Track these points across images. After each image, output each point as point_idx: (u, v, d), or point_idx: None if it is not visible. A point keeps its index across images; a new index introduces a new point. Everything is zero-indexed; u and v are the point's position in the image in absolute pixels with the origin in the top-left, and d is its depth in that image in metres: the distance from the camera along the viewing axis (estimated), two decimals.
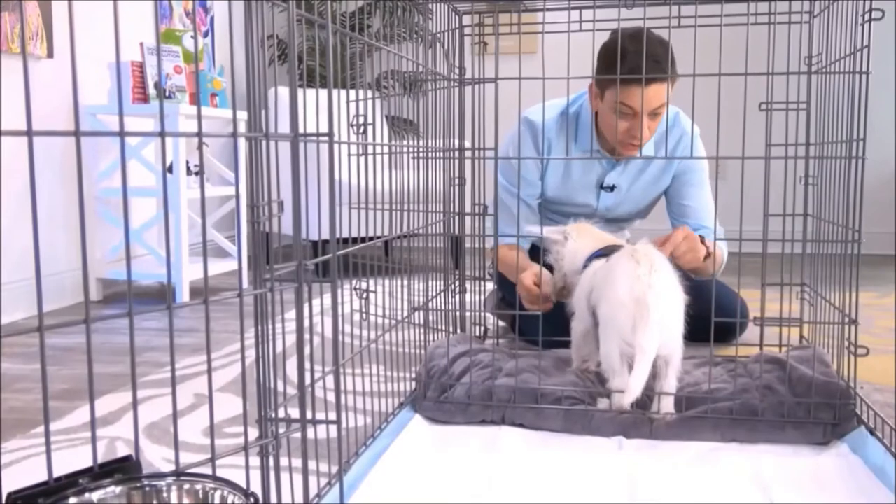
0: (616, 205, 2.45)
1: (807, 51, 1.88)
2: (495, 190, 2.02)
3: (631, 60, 1.93)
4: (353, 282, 1.90)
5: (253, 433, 1.63)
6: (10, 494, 0.83)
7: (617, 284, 1.67)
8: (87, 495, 0.88)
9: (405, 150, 2.01)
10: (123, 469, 0.92)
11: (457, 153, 2.17)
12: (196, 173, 3.69)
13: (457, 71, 2.17)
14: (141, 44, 3.31)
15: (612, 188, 2.40)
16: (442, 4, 2.12)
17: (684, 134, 2.35)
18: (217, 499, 0.93)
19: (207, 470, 0.98)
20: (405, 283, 2.01)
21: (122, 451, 1.66)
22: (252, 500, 0.91)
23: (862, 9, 1.58)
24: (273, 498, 1.09)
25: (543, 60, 1.66)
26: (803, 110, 1.71)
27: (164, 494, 0.93)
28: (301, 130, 1.07)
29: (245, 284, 3.57)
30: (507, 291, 2.49)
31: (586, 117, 2.33)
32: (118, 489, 0.90)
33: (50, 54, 3.08)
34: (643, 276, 1.64)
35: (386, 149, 2.06)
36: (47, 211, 3.12)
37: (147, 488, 0.92)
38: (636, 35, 1.97)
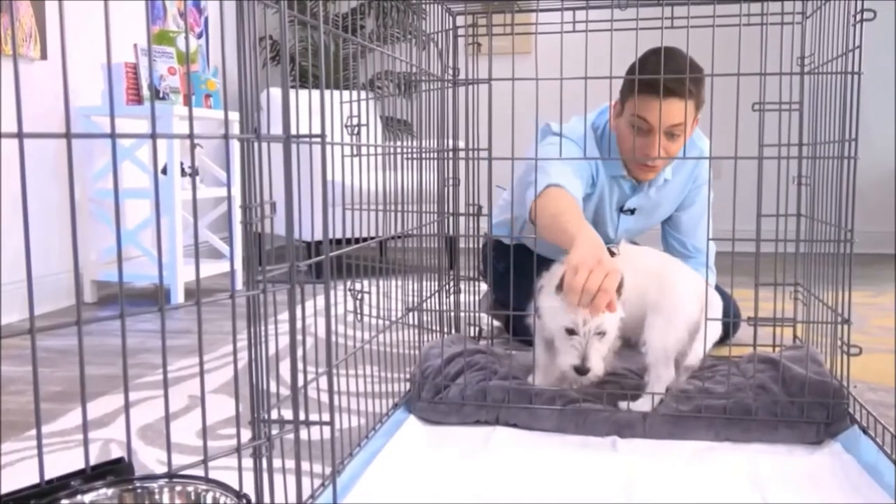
0: (634, 227, 2.44)
1: (799, 51, 1.89)
2: (489, 191, 2.01)
3: (654, 71, 1.88)
4: (348, 283, 1.90)
5: (246, 435, 1.63)
6: (1, 497, 0.83)
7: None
8: (78, 497, 0.88)
9: (398, 150, 2.01)
10: (116, 471, 0.92)
11: (451, 154, 2.17)
12: (191, 174, 3.69)
13: (450, 71, 2.17)
14: (135, 45, 3.30)
15: (632, 212, 2.38)
16: (436, 5, 2.12)
17: (702, 154, 2.32)
18: (209, 500, 0.93)
19: (200, 471, 0.98)
20: (400, 283, 2.01)
21: (117, 452, 1.66)
22: (244, 501, 0.91)
23: (854, 9, 1.58)
24: (266, 499, 1.09)
25: (537, 61, 1.66)
26: (796, 111, 1.71)
27: (156, 496, 0.93)
28: (294, 131, 1.07)
29: (239, 286, 3.57)
30: (500, 292, 2.49)
31: (612, 140, 2.29)
32: (110, 491, 0.90)
33: (44, 56, 3.08)
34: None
35: (379, 149, 2.06)
36: (42, 212, 3.11)
37: (139, 490, 0.92)
38: (670, 51, 1.92)
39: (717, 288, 2.36)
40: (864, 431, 1.59)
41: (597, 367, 1.68)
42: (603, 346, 1.69)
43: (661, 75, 1.77)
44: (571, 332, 1.67)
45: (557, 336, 1.72)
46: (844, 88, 1.64)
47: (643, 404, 1.73)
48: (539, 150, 2.11)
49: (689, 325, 1.78)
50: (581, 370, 1.67)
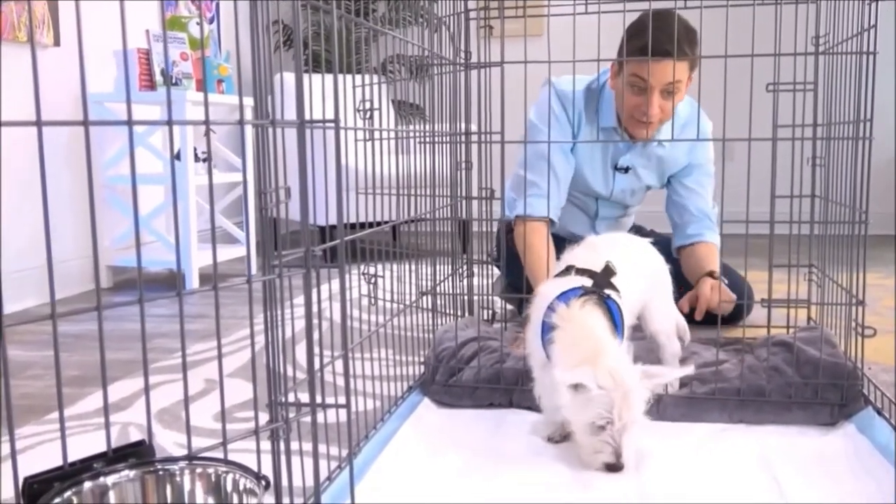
0: (630, 188, 2.44)
1: (814, 31, 1.87)
2: (501, 174, 2.01)
3: (649, 34, 1.88)
4: (362, 267, 1.91)
5: (263, 418, 1.64)
6: (26, 479, 0.84)
7: None
8: (101, 479, 0.89)
9: (412, 135, 2.01)
10: (137, 453, 0.94)
11: (463, 137, 2.17)
12: (204, 160, 3.70)
13: (462, 55, 2.17)
14: (147, 31, 3.31)
15: (626, 170, 2.38)
16: None
17: (703, 134, 2.33)
18: (229, 482, 0.94)
19: (219, 454, 0.99)
20: (413, 267, 2.02)
21: (135, 436, 1.68)
22: (263, 482, 0.92)
23: None
24: (284, 481, 1.10)
25: (549, 43, 1.66)
26: (810, 91, 1.70)
27: (178, 478, 0.94)
28: (308, 116, 1.07)
29: (254, 270, 3.59)
30: (513, 276, 2.49)
31: (609, 94, 2.31)
32: (132, 473, 0.91)
33: (56, 42, 3.09)
34: None
35: (393, 134, 2.06)
36: (53, 198, 3.13)
37: (160, 472, 0.93)
38: (663, 14, 1.97)
39: (730, 269, 2.35)
40: (879, 413, 1.59)
41: (630, 459, 1.42)
42: (633, 433, 1.42)
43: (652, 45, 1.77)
44: (603, 427, 1.40)
45: (580, 430, 1.44)
46: (860, 68, 1.63)
47: (675, 384, 1.74)
48: (536, 116, 2.27)
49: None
50: (617, 467, 1.40)
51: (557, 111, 2.27)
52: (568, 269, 1.65)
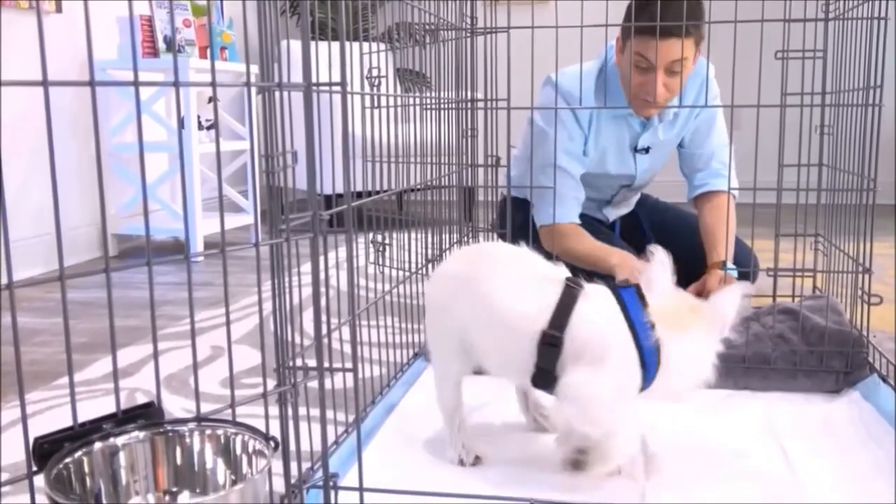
0: (651, 167, 2.41)
1: None
2: (507, 142, 2.00)
3: (652, 11, 1.83)
4: (368, 235, 1.91)
5: (271, 384, 1.65)
6: (37, 439, 0.85)
7: None
8: (111, 440, 0.90)
9: (417, 101, 1.99)
10: (146, 415, 0.94)
11: (469, 104, 2.15)
12: (208, 128, 3.68)
13: (468, 20, 2.15)
14: None
15: (647, 150, 2.35)
16: None
17: (702, 80, 2.30)
18: (238, 443, 0.95)
19: (228, 416, 0.99)
20: (418, 235, 2.02)
21: (142, 401, 1.68)
22: (272, 444, 0.93)
23: None
24: (292, 445, 1.10)
25: (557, 9, 1.64)
26: (820, 58, 1.68)
27: (187, 439, 0.94)
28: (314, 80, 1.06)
29: (260, 238, 3.59)
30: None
31: (616, 77, 2.27)
32: (142, 434, 0.92)
33: (59, 9, 3.07)
34: None
35: (399, 101, 2.05)
36: (59, 167, 3.13)
37: (170, 433, 0.94)
38: None
39: (735, 237, 2.34)
40: (884, 380, 1.59)
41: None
42: None
43: (657, 22, 1.74)
44: None
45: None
46: (871, 34, 1.62)
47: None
48: (543, 120, 2.16)
49: None
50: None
51: (564, 116, 2.16)
52: None
